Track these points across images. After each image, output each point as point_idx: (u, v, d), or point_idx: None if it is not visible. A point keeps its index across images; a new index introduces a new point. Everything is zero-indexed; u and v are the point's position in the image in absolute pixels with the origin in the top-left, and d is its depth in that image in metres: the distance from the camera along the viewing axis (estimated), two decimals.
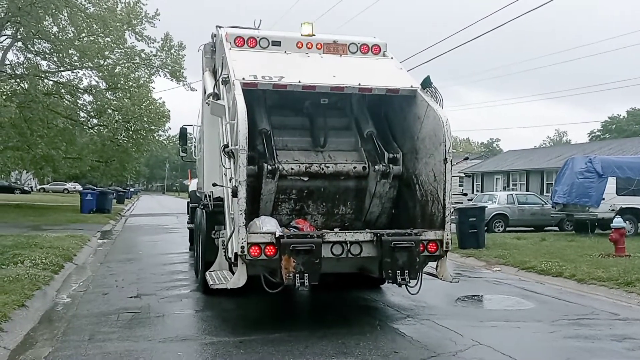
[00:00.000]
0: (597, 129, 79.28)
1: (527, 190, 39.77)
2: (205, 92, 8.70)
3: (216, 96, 7.85)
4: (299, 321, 7.97)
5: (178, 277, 11.27)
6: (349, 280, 8.68)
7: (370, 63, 8.35)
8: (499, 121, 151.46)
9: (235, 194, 6.25)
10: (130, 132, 32.98)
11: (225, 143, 6.81)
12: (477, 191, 43.14)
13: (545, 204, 24.54)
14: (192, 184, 15.43)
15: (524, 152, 51.26)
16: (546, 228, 23.72)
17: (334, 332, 6.85)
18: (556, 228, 23.57)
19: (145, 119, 32.56)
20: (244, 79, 7.04)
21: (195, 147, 14.25)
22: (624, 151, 36.05)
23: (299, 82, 7.32)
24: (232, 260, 6.48)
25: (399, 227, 7.36)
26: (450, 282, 7.42)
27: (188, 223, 15.43)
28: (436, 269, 7.25)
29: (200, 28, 19.43)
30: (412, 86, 7.71)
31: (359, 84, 7.51)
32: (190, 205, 14.60)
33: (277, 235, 6.41)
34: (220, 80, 7.79)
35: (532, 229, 23.56)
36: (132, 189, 76.51)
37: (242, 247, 6.23)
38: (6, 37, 32.16)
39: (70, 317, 7.73)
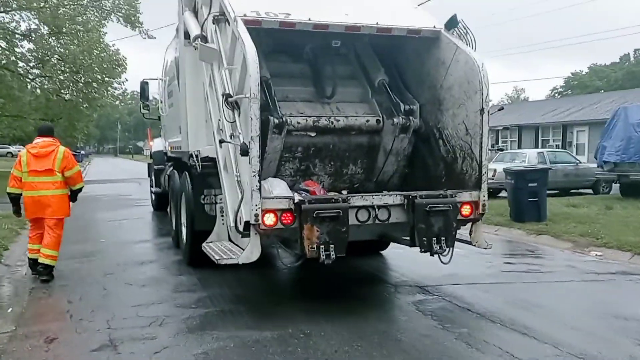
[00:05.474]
0: (559, 85, 79.83)
1: (519, 147, 37.12)
2: (186, 36, 7.83)
3: (204, 39, 6.99)
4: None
5: (169, 291, 7.14)
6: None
7: (383, 0, 7.49)
8: None
9: (245, 152, 5.44)
10: (80, 85, 28.31)
11: (227, 92, 6.03)
12: None
13: (579, 162, 21.21)
14: (156, 144, 14.43)
15: (510, 107, 48.66)
16: (572, 191, 20.38)
17: None
18: (589, 191, 20.32)
19: (97, 69, 27.85)
20: (245, 15, 6.09)
21: (162, 102, 12.34)
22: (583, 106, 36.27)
23: (309, 19, 6.40)
24: (243, 230, 5.64)
25: (414, 188, 6.60)
26: (485, 248, 6.62)
27: (153, 187, 14.61)
28: (470, 234, 6.56)
29: None
30: (434, 27, 6.92)
31: (377, 24, 6.62)
32: (155, 167, 13.90)
33: (296, 201, 5.60)
34: (210, 19, 6.85)
35: (556, 192, 20.00)
36: (82, 152, 70.51)
37: (257, 215, 5.42)
38: None
39: None
